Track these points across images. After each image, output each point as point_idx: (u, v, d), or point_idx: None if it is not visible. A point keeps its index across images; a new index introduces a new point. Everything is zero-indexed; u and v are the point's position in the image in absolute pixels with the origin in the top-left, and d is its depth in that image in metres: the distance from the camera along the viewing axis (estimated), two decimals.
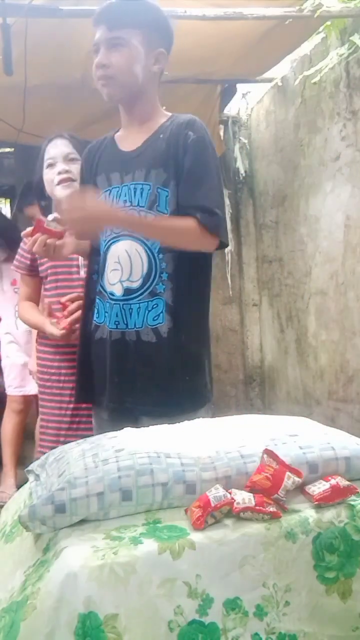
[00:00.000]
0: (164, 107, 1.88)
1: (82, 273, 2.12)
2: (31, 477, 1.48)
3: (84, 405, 2.06)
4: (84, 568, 1.07)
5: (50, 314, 2.11)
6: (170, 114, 1.81)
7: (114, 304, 1.74)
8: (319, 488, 1.24)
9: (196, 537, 1.14)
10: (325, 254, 3.35)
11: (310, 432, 1.40)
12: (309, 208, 3.52)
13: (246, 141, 4.44)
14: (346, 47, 2.88)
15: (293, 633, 1.13)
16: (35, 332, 3.27)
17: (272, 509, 1.19)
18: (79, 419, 2.13)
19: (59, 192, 2.18)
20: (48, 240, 1.73)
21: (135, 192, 1.72)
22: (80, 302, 1.99)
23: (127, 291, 1.72)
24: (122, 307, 1.73)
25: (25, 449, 3.71)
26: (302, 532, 1.17)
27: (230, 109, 4.41)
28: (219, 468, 1.26)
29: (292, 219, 3.77)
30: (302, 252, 3.66)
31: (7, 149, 4.24)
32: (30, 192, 3.00)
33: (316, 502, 1.22)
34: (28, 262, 2.29)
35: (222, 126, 4.37)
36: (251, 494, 1.20)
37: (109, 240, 1.76)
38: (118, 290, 1.74)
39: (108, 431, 1.75)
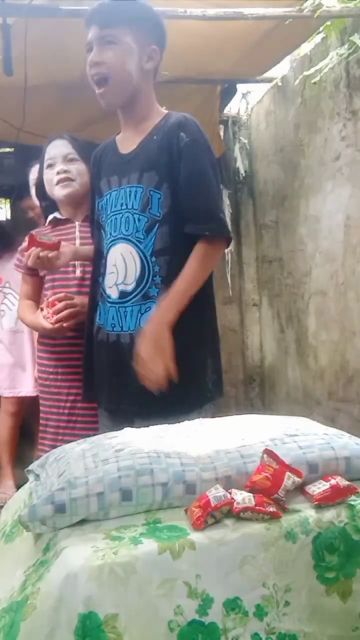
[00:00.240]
0: (164, 107, 1.88)
1: (79, 272, 2.14)
2: (31, 477, 1.48)
3: (79, 405, 2.08)
4: (84, 568, 1.07)
5: (41, 309, 2.13)
6: (166, 112, 1.81)
7: (110, 306, 1.76)
8: (319, 488, 1.24)
9: (196, 537, 1.14)
10: (325, 254, 3.35)
11: (310, 432, 1.40)
12: (309, 208, 3.52)
13: (246, 141, 4.44)
14: (346, 47, 2.88)
15: (293, 633, 1.13)
16: (26, 334, 3.28)
17: (272, 509, 1.19)
18: (76, 418, 2.14)
19: (57, 192, 2.19)
20: (41, 253, 1.80)
21: (130, 195, 1.73)
22: (67, 301, 2.01)
23: (122, 294, 1.74)
24: (118, 309, 1.75)
25: (25, 448, 3.71)
26: (302, 532, 1.17)
27: (230, 109, 4.41)
28: (219, 468, 1.26)
29: (292, 219, 3.77)
30: (302, 252, 3.66)
31: (7, 149, 4.23)
32: (25, 189, 3.04)
33: (316, 502, 1.22)
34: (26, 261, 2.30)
35: (222, 126, 4.37)
36: (251, 494, 1.20)
37: (109, 244, 1.78)
38: (114, 293, 1.76)
39: (109, 428, 1.78)
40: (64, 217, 2.26)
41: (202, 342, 1.78)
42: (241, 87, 4.18)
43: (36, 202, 3.08)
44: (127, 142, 1.81)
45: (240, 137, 4.44)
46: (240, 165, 4.37)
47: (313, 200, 3.46)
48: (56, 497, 1.20)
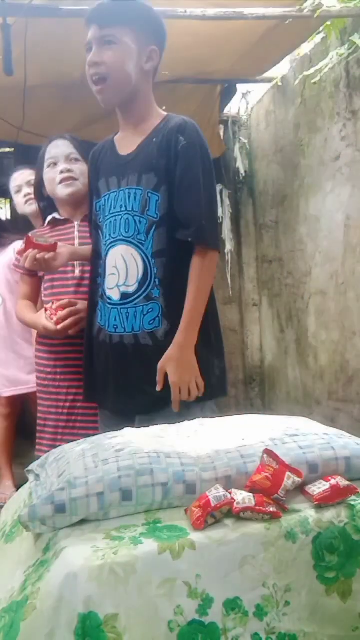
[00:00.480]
0: (164, 107, 1.88)
1: (78, 272, 2.14)
2: (31, 477, 1.48)
3: (79, 405, 2.08)
4: (84, 568, 1.07)
5: (45, 310, 2.13)
6: (165, 113, 1.81)
7: (112, 308, 1.76)
8: (319, 488, 1.24)
9: (196, 537, 1.14)
10: (325, 254, 3.35)
11: (310, 432, 1.40)
12: (309, 208, 3.52)
13: (246, 141, 4.44)
14: (346, 47, 2.88)
15: (293, 633, 1.13)
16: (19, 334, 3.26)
17: (272, 509, 1.19)
18: (75, 418, 2.14)
19: (60, 191, 2.19)
20: (38, 255, 1.81)
21: (129, 197, 1.73)
22: (72, 308, 2.01)
23: (124, 295, 1.74)
24: (120, 311, 1.75)
25: (26, 448, 3.71)
26: (302, 532, 1.17)
27: (230, 109, 4.41)
28: (219, 468, 1.26)
29: (292, 219, 3.77)
30: (302, 252, 3.66)
31: (7, 149, 4.23)
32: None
33: (316, 502, 1.22)
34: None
35: (222, 126, 4.37)
36: (251, 494, 1.20)
37: (108, 245, 1.78)
38: (115, 295, 1.76)
39: (109, 428, 1.78)
40: (62, 218, 2.25)
41: (207, 343, 1.79)
42: (241, 87, 4.19)
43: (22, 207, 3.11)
44: (126, 143, 1.81)
45: (240, 137, 4.44)
46: (240, 165, 4.37)
47: (313, 200, 3.46)
48: (56, 497, 1.20)
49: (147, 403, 1.74)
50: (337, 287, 3.24)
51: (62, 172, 2.18)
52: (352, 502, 1.23)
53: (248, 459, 1.28)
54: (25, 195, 3.05)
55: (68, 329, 2.03)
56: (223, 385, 1.85)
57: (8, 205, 4.96)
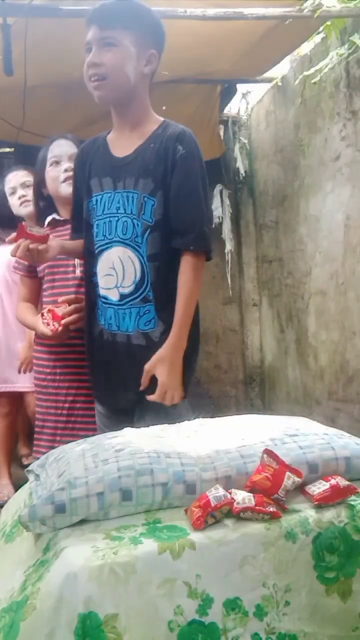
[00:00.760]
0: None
1: (79, 272, 2.13)
2: (31, 477, 1.48)
3: (78, 405, 2.08)
4: (84, 568, 1.07)
5: (42, 315, 2.13)
6: (162, 119, 1.83)
7: (108, 307, 1.79)
8: (319, 488, 1.24)
9: (196, 537, 1.14)
10: (325, 254, 3.35)
11: (310, 432, 1.40)
12: (309, 208, 3.52)
13: (246, 141, 4.44)
14: (346, 47, 2.88)
15: (293, 633, 1.13)
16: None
17: (272, 509, 1.19)
18: (75, 419, 2.14)
19: (64, 189, 2.18)
20: (31, 245, 1.79)
21: (127, 200, 1.75)
22: (77, 305, 2.01)
23: (122, 297, 1.77)
24: (116, 311, 1.78)
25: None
26: (302, 532, 1.17)
27: (230, 109, 4.41)
28: (219, 468, 1.27)
29: (292, 219, 3.77)
30: (302, 252, 3.66)
31: (7, 149, 4.23)
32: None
33: (316, 502, 1.22)
34: (26, 263, 2.29)
35: (222, 126, 4.37)
36: (251, 494, 1.20)
37: (103, 245, 1.79)
38: (114, 295, 1.78)
39: (107, 427, 1.80)
40: (62, 218, 2.25)
41: (190, 343, 1.81)
42: (241, 87, 4.18)
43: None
44: (122, 144, 1.82)
45: (240, 137, 4.44)
46: (240, 165, 4.37)
47: (313, 200, 3.46)
48: (56, 497, 1.20)
49: (141, 399, 1.75)
50: (337, 287, 3.24)
51: (66, 170, 2.17)
52: (352, 502, 1.23)
53: (248, 459, 1.28)
54: (20, 197, 3.03)
55: (67, 333, 2.03)
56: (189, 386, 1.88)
57: None
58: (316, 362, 3.56)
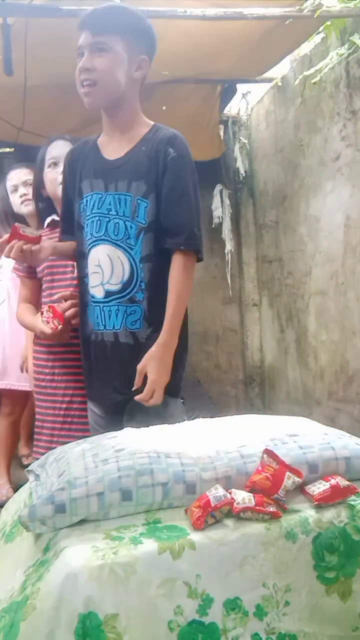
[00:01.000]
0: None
1: (77, 273, 2.13)
2: (31, 477, 1.48)
3: (75, 406, 2.08)
4: (84, 568, 1.07)
5: (42, 313, 2.12)
6: (152, 123, 1.85)
7: (95, 305, 1.80)
8: (319, 488, 1.24)
9: (196, 537, 1.14)
10: (325, 254, 3.35)
11: (310, 432, 1.40)
12: (309, 208, 3.52)
13: (246, 141, 4.44)
14: (346, 47, 2.88)
15: (293, 633, 1.13)
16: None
17: (272, 509, 1.19)
18: (72, 419, 2.14)
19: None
20: (24, 246, 1.80)
21: (120, 202, 1.77)
22: (73, 300, 2.02)
23: (108, 294, 1.78)
24: (102, 308, 1.79)
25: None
26: (302, 532, 1.17)
27: (230, 109, 4.41)
28: (219, 468, 1.27)
29: (292, 219, 3.77)
30: (302, 252, 3.66)
31: (7, 149, 4.23)
32: None
33: (316, 502, 1.22)
34: (26, 264, 2.29)
35: (222, 126, 4.37)
36: (251, 494, 1.20)
37: (90, 243, 1.80)
38: (99, 293, 1.79)
39: (100, 426, 1.81)
40: None
41: (180, 342, 1.82)
42: (241, 87, 4.18)
43: None
44: (113, 147, 1.84)
45: (240, 137, 4.44)
46: (240, 165, 4.37)
47: (313, 200, 3.46)
48: (56, 497, 1.20)
49: (128, 401, 1.76)
50: (337, 287, 3.24)
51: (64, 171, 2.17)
52: (352, 502, 1.23)
53: (248, 459, 1.28)
54: (21, 196, 3.02)
55: (67, 331, 2.03)
56: (181, 386, 1.88)
57: None
58: (316, 362, 3.56)
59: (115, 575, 1.07)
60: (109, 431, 1.56)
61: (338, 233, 3.17)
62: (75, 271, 2.15)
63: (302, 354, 3.77)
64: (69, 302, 2.04)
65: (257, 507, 1.18)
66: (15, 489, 2.23)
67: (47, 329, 2.06)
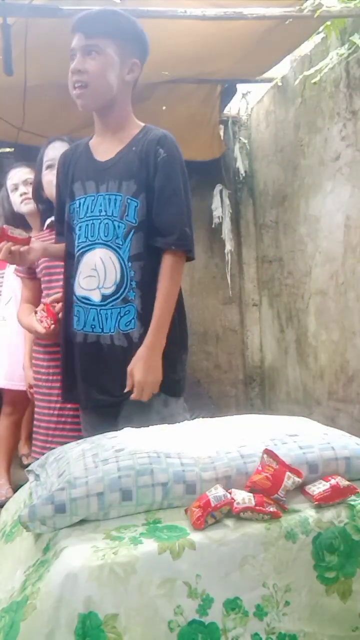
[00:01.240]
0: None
1: None
2: (31, 477, 1.48)
3: (69, 406, 2.08)
4: (84, 568, 1.07)
5: (36, 313, 2.13)
6: (142, 124, 1.86)
7: (91, 308, 1.80)
8: (319, 488, 1.24)
9: (196, 537, 1.14)
10: (325, 254, 3.35)
11: (310, 432, 1.40)
12: (309, 208, 3.52)
13: (246, 141, 4.44)
14: (346, 47, 2.88)
15: (293, 633, 1.13)
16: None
17: (272, 509, 1.19)
18: (65, 420, 2.14)
19: None
20: (13, 248, 1.82)
21: (109, 202, 1.79)
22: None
23: (104, 297, 1.79)
24: (99, 312, 1.79)
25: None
26: (302, 532, 1.17)
27: (230, 109, 4.41)
28: (219, 468, 1.27)
29: (292, 219, 3.77)
30: (302, 252, 3.66)
31: (7, 149, 4.23)
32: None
33: (316, 502, 1.22)
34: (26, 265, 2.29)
35: (222, 126, 4.37)
36: (251, 494, 1.20)
37: (85, 247, 1.81)
38: (96, 296, 1.80)
39: (92, 430, 1.80)
40: None
41: (174, 341, 1.82)
42: (241, 87, 4.18)
43: None
44: (104, 149, 1.85)
45: (240, 137, 4.44)
46: (240, 165, 4.37)
47: (313, 200, 3.46)
48: (56, 497, 1.20)
49: (125, 398, 1.76)
50: (337, 287, 3.24)
51: None
52: (352, 502, 1.23)
53: (248, 459, 1.28)
54: (21, 195, 3.01)
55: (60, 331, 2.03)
56: (183, 384, 1.88)
57: None
58: (316, 362, 3.56)
59: (115, 575, 1.07)
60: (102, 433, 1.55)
61: (338, 233, 3.17)
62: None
63: (302, 354, 3.77)
64: (60, 305, 2.04)
65: (257, 507, 1.18)
66: (15, 489, 2.23)
67: (41, 328, 2.07)
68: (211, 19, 2.63)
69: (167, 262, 1.75)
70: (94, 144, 1.89)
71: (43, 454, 1.70)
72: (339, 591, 1.17)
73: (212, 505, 1.17)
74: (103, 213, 1.78)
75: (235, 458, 1.29)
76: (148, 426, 1.56)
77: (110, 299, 1.78)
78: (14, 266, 3.18)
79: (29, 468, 1.52)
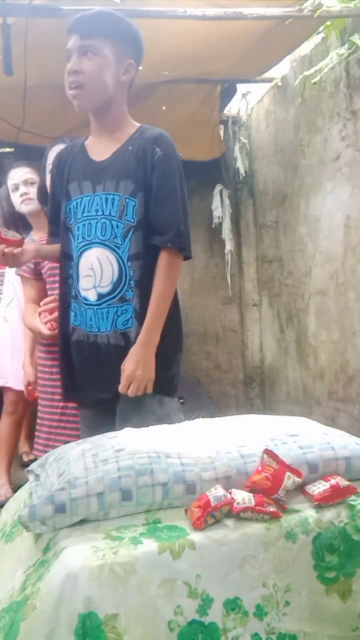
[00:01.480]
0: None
1: None
2: (31, 477, 1.49)
3: (71, 405, 2.09)
4: (84, 568, 1.07)
5: (40, 314, 2.14)
6: (138, 124, 1.87)
7: (88, 308, 1.80)
8: (319, 488, 1.24)
9: (196, 537, 1.14)
10: (325, 254, 3.35)
11: (310, 432, 1.40)
12: (309, 208, 3.52)
13: (246, 141, 4.44)
14: (346, 47, 2.88)
15: (293, 633, 1.13)
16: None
17: (272, 509, 1.19)
18: (67, 418, 2.16)
19: None
20: (6, 249, 1.82)
21: (107, 202, 1.79)
22: (57, 304, 2.02)
23: (100, 296, 1.79)
24: (96, 311, 1.79)
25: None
26: (302, 532, 1.17)
27: (230, 109, 4.41)
28: (219, 468, 1.27)
29: (292, 219, 3.77)
30: (302, 252, 3.66)
31: (7, 149, 4.23)
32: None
33: (316, 502, 1.22)
34: (32, 266, 2.32)
35: (222, 126, 4.37)
36: (251, 494, 1.20)
37: (81, 248, 1.81)
38: (92, 296, 1.80)
39: (89, 430, 1.80)
40: None
41: (169, 339, 1.82)
42: (241, 87, 4.18)
43: None
44: (100, 149, 1.85)
45: (240, 137, 4.44)
46: (240, 165, 4.37)
47: (313, 200, 3.46)
48: (56, 497, 1.20)
49: (122, 397, 1.76)
50: (337, 287, 3.24)
51: None
52: (352, 502, 1.23)
53: (248, 459, 1.28)
54: (22, 195, 3.01)
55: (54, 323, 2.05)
56: (177, 383, 1.88)
57: None
58: (316, 362, 3.56)
59: (115, 575, 1.07)
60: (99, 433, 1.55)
61: (338, 233, 3.17)
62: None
63: (302, 354, 3.77)
64: (54, 305, 2.05)
65: (257, 507, 1.18)
66: (15, 489, 2.23)
67: (45, 330, 2.07)
68: (211, 19, 2.63)
69: (163, 259, 1.76)
70: (90, 144, 1.89)
71: (45, 452, 1.71)
72: (339, 591, 1.17)
73: (212, 505, 1.17)
74: (100, 213, 1.79)
75: (235, 458, 1.29)
76: (145, 426, 1.56)
77: (106, 298, 1.78)
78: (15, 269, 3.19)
79: (29, 468, 1.53)
